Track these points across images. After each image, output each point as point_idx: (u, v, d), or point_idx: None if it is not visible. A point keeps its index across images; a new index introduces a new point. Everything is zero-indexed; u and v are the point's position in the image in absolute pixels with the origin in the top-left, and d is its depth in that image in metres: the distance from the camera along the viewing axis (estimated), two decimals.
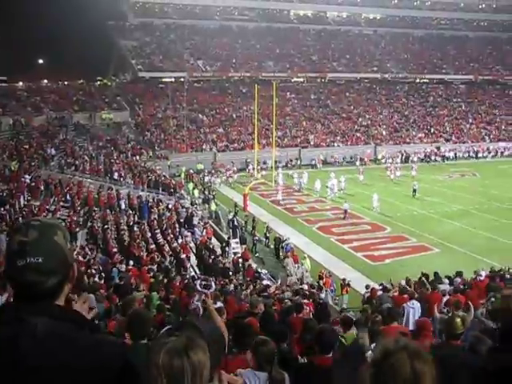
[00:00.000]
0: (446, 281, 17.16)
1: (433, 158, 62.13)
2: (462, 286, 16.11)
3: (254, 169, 51.74)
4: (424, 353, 1.90)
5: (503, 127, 74.20)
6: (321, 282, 21.76)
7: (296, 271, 24.26)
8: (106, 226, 26.92)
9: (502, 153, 66.53)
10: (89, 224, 28.19)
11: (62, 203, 32.00)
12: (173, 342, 1.90)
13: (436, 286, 15.93)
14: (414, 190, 41.40)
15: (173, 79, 69.40)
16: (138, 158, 51.44)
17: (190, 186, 43.74)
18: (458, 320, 5.91)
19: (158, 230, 27.59)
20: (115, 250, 23.21)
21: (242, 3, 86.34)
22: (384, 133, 67.90)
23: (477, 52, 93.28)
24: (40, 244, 2.01)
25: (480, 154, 65.34)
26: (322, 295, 17.03)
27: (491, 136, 71.17)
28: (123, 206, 33.21)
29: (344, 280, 21.65)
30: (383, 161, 59.75)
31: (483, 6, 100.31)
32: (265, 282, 20.14)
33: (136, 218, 30.42)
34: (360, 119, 70.49)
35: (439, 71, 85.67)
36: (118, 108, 61.87)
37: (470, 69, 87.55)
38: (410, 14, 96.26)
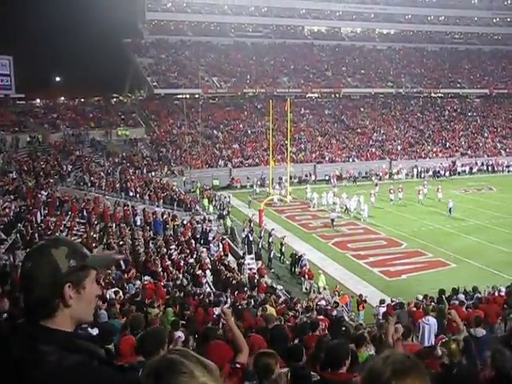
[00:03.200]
0: (462, 296, 16.99)
1: (442, 172, 61.53)
2: (478, 301, 15.97)
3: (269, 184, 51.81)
4: (414, 370, 1.87)
5: None
6: (336, 299, 21.63)
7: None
8: (121, 242, 26.99)
9: None
10: (105, 240, 28.29)
11: (78, 219, 32.20)
12: (176, 356, 1.78)
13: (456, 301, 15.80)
14: (450, 209, 39.79)
15: (188, 96, 69.88)
16: (153, 174, 51.67)
17: (206, 201, 43.80)
18: (454, 346, 5.90)
19: (174, 246, 27.61)
20: (131, 265, 23.24)
21: (256, 20, 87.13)
22: (399, 148, 67.69)
23: (491, 66, 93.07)
24: (36, 252, 2.07)
25: (496, 168, 64.92)
26: (334, 312, 16.91)
27: (507, 150, 70.70)
28: (139, 222, 33.33)
29: (360, 296, 21.53)
30: (399, 177, 59.40)
31: (497, 19, 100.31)
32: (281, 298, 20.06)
33: (151, 234, 30.51)
34: (375, 134, 70.36)
35: (454, 85, 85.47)
36: (134, 125, 62.33)
37: (485, 82, 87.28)
38: (423, 28, 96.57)
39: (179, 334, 7.87)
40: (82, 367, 1.88)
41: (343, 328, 10.50)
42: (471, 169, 63.87)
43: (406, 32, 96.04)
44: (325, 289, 22.95)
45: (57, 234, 24.82)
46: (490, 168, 64.81)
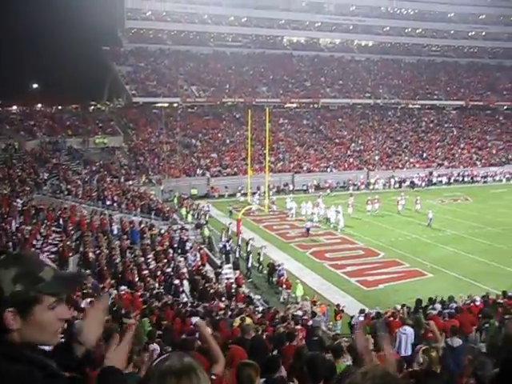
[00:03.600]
0: (438, 306, 17.07)
1: (419, 183, 62.06)
2: (454, 311, 16.04)
3: (247, 194, 51.77)
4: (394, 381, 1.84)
5: (494, 152, 74.69)
6: (314, 309, 21.60)
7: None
8: (98, 251, 26.73)
9: (493, 177, 66.80)
10: (81, 249, 27.97)
11: (54, 228, 31.81)
12: (173, 363, 1.87)
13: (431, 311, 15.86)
14: (430, 220, 40.03)
15: (166, 104, 69.69)
16: (131, 182, 51.33)
17: (183, 210, 43.60)
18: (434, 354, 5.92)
19: (151, 256, 27.41)
20: (108, 275, 23.02)
21: (235, 29, 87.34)
22: (377, 158, 68.13)
23: (467, 78, 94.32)
24: None
25: (472, 179, 65.64)
26: (310, 322, 16.87)
27: (483, 161, 71.57)
28: (116, 231, 33.03)
29: (338, 306, 21.53)
30: (377, 187, 59.78)
31: (473, 33, 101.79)
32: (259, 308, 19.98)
33: (128, 243, 30.25)
34: (353, 144, 70.76)
35: (431, 97, 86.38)
36: (112, 133, 61.91)
37: (461, 95, 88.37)
38: (401, 40, 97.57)
39: (155, 346, 7.74)
40: (23, 377, 1.81)
41: (315, 338, 10.47)
42: (449, 179, 64.51)
43: (384, 44, 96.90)
44: (306, 299, 22.90)
45: (20, 251, 24.54)
46: (466, 179, 65.53)
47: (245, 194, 52.18)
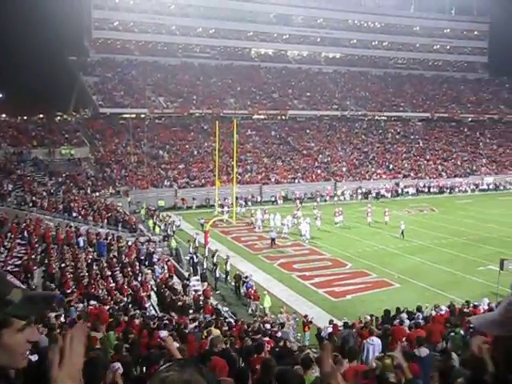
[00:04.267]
0: (405, 316, 17.21)
1: (386, 194, 62.77)
2: (422, 321, 16.19)
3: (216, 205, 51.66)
4: None
5: (459, 163, 75.92)
6: (282, 320, 21.59)
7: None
8: (63, 264, 26.37)
9: (458, 188, 67.83)
10: (46, 262, 27.56)
11: (18, 240, 31.30)
12: (172, 376, 1.80)
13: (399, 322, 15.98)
14: (402, 232, 40.01)
15: (134, 115, 69.28)
16: (97, 194, 50.84)
17: (151, 222, 43.31)
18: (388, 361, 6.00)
19: (118, 268, 27.14)
20: (73, 288, 22.72)
21: (203, 41, 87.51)
22: (344, 169, 68.65)
23: (433, 90, 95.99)
24: None
25: (438, 190, 66.55)
26: (279, 334, 16.86)
27: (448, 172, 72.64)
28: (82, 244, 32.62)
29: (306, 317, 21.56)
30: (342, 198, 60.20)
31: (437, 46, 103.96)
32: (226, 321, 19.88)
33: (95, 256, 29.91)
34: (320, 156, 71.21)
35: (397, 109, 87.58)
36: (78, 144, 61.26)
37: (427, 107, 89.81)
38: (368, 53, 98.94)
39: (118, 365, 7.56)
40: None
41: (283, 349, 10.46)
42: (416, 190, 65.29)
43: (351, 56, 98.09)
44: (281, 312, 22.83)
45: None
46: (431, 190, 66.41)
47: (221, 205, 52.01)
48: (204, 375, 1.87)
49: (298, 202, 54.27)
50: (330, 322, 18.72)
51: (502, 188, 69.93)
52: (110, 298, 21.94)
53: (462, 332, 14.51)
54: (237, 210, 48.66)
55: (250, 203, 54.84)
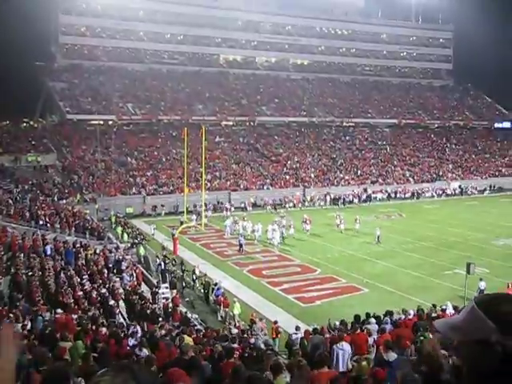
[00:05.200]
0: (373, 320, 17.34)
1: (354, 199, 63.26)
2: (390, 326, 16.33)
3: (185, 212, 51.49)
4: None
5: (426, 169, 76.94)
6: (253, 326, 21.60)
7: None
8: (30, 273, 25.98)
9: (425, 193, 68.68)
10: (12, 271, 27.12)
11: None
12: (104, 381, 1.80)
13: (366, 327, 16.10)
14: (378, 237, 40.21)
15: (101, 122, 68.75)
16: (65, 201, 50.28)
17: (119, 229, 42.99)
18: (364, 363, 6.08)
19: (86, 276, 26.85)
20: (40, 297, 22.40)
21: (171, 47, 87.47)
22: (312, 175, 69.02)
23: (399, 97, 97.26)
24: None
25: (405, 195, 67.29)
26: (252, 340, 16.86)
27: (415, 177, 73.53)
28: (49, 252, 32.17)
29: (275, 323, 21.57)
30: (310, 204, 60.56)
31: (404, 54, 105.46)
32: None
33: (62, 264, 29.53)
34: (289, 162, 71.51)
35: (364, 115, 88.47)
36: (45, 150, 60.58)
37: (394, 113, 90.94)
38: (335, 60, 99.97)
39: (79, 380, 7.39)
40: None
41: (253, 355, 10.48)
42: (383, 196, 65.90)
43: (319, 63, 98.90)
44: (257, 321, 22.72)
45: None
46: (399, 195, 67.06)
47: (195, 213, 51.84)
48: (139, 380, 1.84)
49: (270, 208, 54.65)
50: (297, 328, 18.73)
51: (469, 193, 70.90)
52: (77, 306, 21.69)
53: (430, 336, 14.68)
54: (206, 214, 48.69)
55: (228, 212, 54.30)
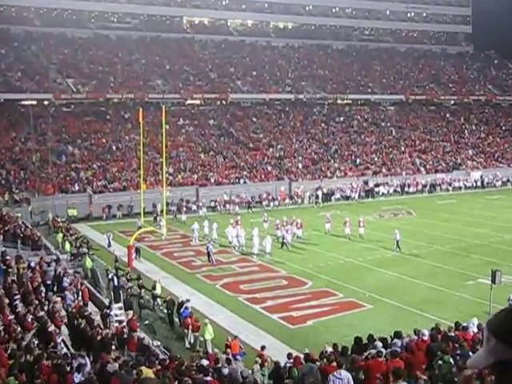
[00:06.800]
0: (379, 344, 17.37)
1: (353, 195, 63.52)
2: (399, 350, 16.37)
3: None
4: None
5: (440, 156, 77.31)
6: (228, 352, 21.52)
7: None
8: None
9: (440, 186, 69.23)
10: None
11: None
12: None
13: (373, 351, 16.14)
14: (397, 242, 39.78)
15: (35, 102, 68.16)
16: None
17: (59, 237, 42.69)
18: None
19: (18, 296, 26.65)
20: None
21: (122, 8, 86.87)
22: (300, 166, 69.09)
23: (407, 68, 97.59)
24: None
25: (415, 189, 67.66)
26: (226, 370, 16.83)
27: (427, 166, 73.90)
28: None
29: (263, 349, 21.33)
30: (299, 201, 60.75)
31: (412, 14, 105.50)
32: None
33: None
34: (271, 150, 71.49)
35: (364, 90, 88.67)
36: None
37: (400, 87, 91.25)
38: (327, 22, 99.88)
39: None
40: None
41: None
42: (388, 189, 66.14)
43: (306, 26, 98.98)
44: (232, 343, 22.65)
45: None
46: (408, 188, 67.29)
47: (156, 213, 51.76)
48: None
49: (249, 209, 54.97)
50: (289, 355, 18.69)
51: (492, 184, 71.46)
52: (8, 334, 21.53)
53: (451, 360, 14.73)
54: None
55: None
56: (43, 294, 27.66)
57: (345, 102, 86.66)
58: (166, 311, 28.85)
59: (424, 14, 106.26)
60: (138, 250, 39.33)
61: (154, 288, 30.36)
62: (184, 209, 55.42)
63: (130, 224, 48.67)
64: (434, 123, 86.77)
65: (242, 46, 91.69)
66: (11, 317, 23.57)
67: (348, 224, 44.21)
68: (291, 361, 18.09)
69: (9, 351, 18.15)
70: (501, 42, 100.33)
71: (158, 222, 49.15)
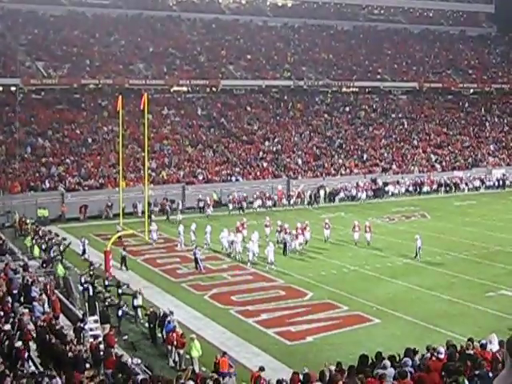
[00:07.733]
0: (388, 363, 17.37)
1: (359, 194, 63.53)
2: (411, 369, 16.37)
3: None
4: None
5: (458, 151, 77.33)
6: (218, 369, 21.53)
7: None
8: None
9: (457, 185, 69.30)
10: None
11: None
12: None
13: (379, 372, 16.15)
14: (419, 249, 39.60)
15: (1, 88, 68.10)
16: None
17: (28, 241, 42.67)
18: None
19: None
20: None
21: None
22: (300, 162, 69.05)
23: (421, 52, 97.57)
24: None
25: (429, 188, 67.69)
26: None
27: (443, 163, 73.93)
28: None
29: (261, 370, 21.30)
30: (298, 201, 60.80)
31: None
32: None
33: None
34: (267, 143, 71.47)
35: (372, 77, 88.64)
36: None
37: (413, 74, 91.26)
38: (331, 0, 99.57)
39: None
40: None
41: None
42: (399, 189, 66.14)
43: (307, 4, 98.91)
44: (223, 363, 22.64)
45: None
46: (421, 187, 67.26)
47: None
48: None
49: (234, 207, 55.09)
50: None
51: None
52: None
53: (466, 382, 14.73)
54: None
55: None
56: (9, 305, 27.65)
57: (351, 89, 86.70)
58: (147, 325, 28.84)
59: None
60: (123, 259, 39.28)
61: (135, 298, 30.34)
62: (168, 209, 55.43)
63: (107, 226, 48.67)
64: (451, 114, 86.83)
65: (235, 26, 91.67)
66: None
67: (358, 228, 44.22)
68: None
69: None
70: None
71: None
